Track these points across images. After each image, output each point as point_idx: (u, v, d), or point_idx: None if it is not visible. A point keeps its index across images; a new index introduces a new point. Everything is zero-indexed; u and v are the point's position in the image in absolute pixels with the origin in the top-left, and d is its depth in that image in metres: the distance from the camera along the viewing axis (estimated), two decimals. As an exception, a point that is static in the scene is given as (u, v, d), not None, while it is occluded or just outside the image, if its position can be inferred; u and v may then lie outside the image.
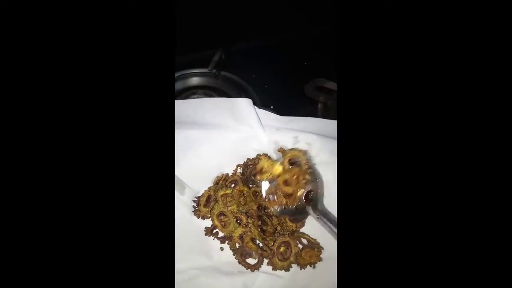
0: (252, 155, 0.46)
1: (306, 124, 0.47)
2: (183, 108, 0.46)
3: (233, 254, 0.40)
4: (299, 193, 0.41)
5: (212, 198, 0.43)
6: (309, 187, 0.41)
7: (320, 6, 0.59)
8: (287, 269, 0.39)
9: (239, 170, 0.46)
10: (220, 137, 0.46)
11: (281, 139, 0.46)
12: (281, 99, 0.54)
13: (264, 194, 0.42)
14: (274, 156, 0.46)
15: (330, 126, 0.46)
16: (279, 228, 0.42)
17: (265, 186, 0.42)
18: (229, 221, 0.41)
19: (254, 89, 0.55)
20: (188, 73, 0.55)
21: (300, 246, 0.41)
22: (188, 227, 0.42)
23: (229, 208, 0.41)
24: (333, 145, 0.44)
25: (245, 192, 0.43)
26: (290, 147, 0.45)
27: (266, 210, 0.42)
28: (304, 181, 0.41)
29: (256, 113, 0.46)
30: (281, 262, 0.39)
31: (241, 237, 0.40)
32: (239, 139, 0.46)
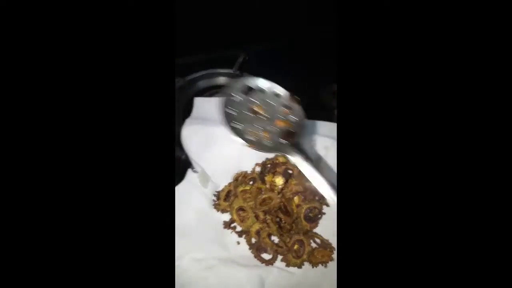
0: (271, 155, 0.47)
1: (323, 128, 0.49)
2: (207, 106, 0.48)
3: (249, 249, 0.42)
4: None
5: (232, 193, 0.45)
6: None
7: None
8: (299, 266, 0.41)
9: (258, 169, 0.48)
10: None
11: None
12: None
13: None
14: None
15: None
16: (294, 227, 0.43)
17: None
18: (248, 216, 0.42)
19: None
20: (213, 73, 0.57)
21: (313, 245, 0.43)
22: (208, 219, 0.44)
23: (248, 204, 0.43)
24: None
25: (263, 189, 0.44)
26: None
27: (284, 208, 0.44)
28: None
29: None
30: (295, 259, 0.41)
31: (258, 233, 0.42)
32: None
